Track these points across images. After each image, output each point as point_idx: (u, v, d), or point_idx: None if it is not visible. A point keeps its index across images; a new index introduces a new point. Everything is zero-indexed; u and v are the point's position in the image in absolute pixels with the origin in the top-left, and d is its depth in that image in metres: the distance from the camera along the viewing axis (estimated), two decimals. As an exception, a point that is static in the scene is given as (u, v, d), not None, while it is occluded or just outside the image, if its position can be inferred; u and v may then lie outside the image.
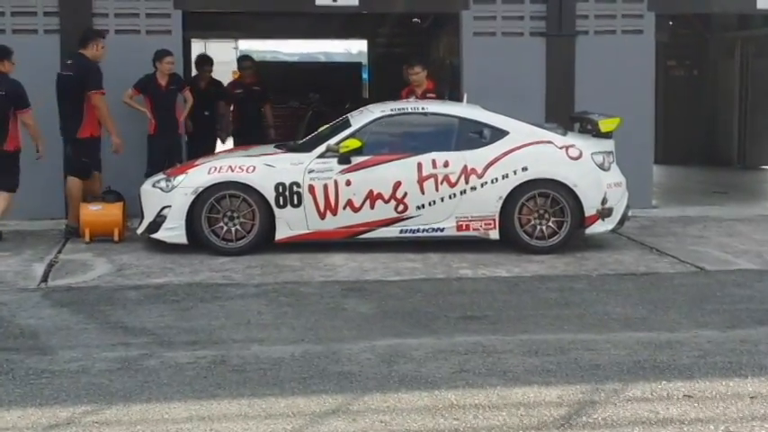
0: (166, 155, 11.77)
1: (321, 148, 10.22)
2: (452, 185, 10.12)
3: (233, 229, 10.06)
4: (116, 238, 10.64)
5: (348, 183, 10.07)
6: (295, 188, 10.05)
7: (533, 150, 10.22)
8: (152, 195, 10.28)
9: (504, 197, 10.09)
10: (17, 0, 12.07)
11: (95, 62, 10.94)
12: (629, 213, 10.69)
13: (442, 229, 10.18)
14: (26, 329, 7.39)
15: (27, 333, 7.31)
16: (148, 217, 10.24)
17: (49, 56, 11.88)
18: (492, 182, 10.12)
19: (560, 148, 10.25)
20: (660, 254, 10.26)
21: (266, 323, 7.57)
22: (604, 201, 10.21)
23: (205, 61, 14.06)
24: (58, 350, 6.88)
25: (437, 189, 10.11)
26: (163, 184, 10.23)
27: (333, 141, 10.20)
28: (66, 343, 7.05)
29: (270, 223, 10.08)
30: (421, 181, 10.10)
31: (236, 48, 33.07)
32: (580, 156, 10.27)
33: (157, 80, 11.81)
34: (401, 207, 10.11)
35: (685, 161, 18.56)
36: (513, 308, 8.04)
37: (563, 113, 12.08)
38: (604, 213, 10.22)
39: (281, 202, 10.04)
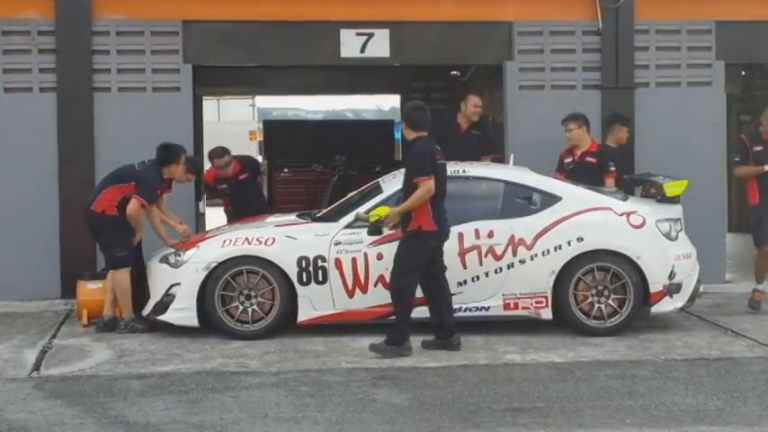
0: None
1: (349, 218, 10.26)
2: (498, 258, 10.12)
3: (249, 309, 10.09)
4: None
5: (380, 256, 10.08)
6: (320, 262, 10.08)
7: (590, 218, 10.22)
8: (159, 272, 10.34)
9: (557, 271, 10.08)
10: (9, 56, 12.28)
11: (159, 175, 10.67)
12: (701, 289, 10.63)
13: (486, 308, 10.16)
14: (15, 425, 7.39)
15: (16, 429, 7.31)
16: (155, 296, 10.28)
17: (45, 116, 12.09)
18: (543, 254, 10.11)
19: (620, 215, 10.24)
20: (736, 336, 10.17)
21: (286, 417, 7.54)
22: (672, 275, 10.16)
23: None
24: (50, 448, 6.91)
25: (481, 263, 10.11)
26: (171, 258, 10.29)
27: (362, 209, 10.24)
28: (59, 440, 7.07)
29: (291, 303, 10.10)
30: (462, 254, 10.10)
31: (252, 105, 33.35)
32: (643, 224, 10.25)
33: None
34: (439, 283, 10.11)
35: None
36: (568, 398, 7.97)
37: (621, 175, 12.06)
38: (672, 289, 10.17)
39: (305, 279, 10.07)
